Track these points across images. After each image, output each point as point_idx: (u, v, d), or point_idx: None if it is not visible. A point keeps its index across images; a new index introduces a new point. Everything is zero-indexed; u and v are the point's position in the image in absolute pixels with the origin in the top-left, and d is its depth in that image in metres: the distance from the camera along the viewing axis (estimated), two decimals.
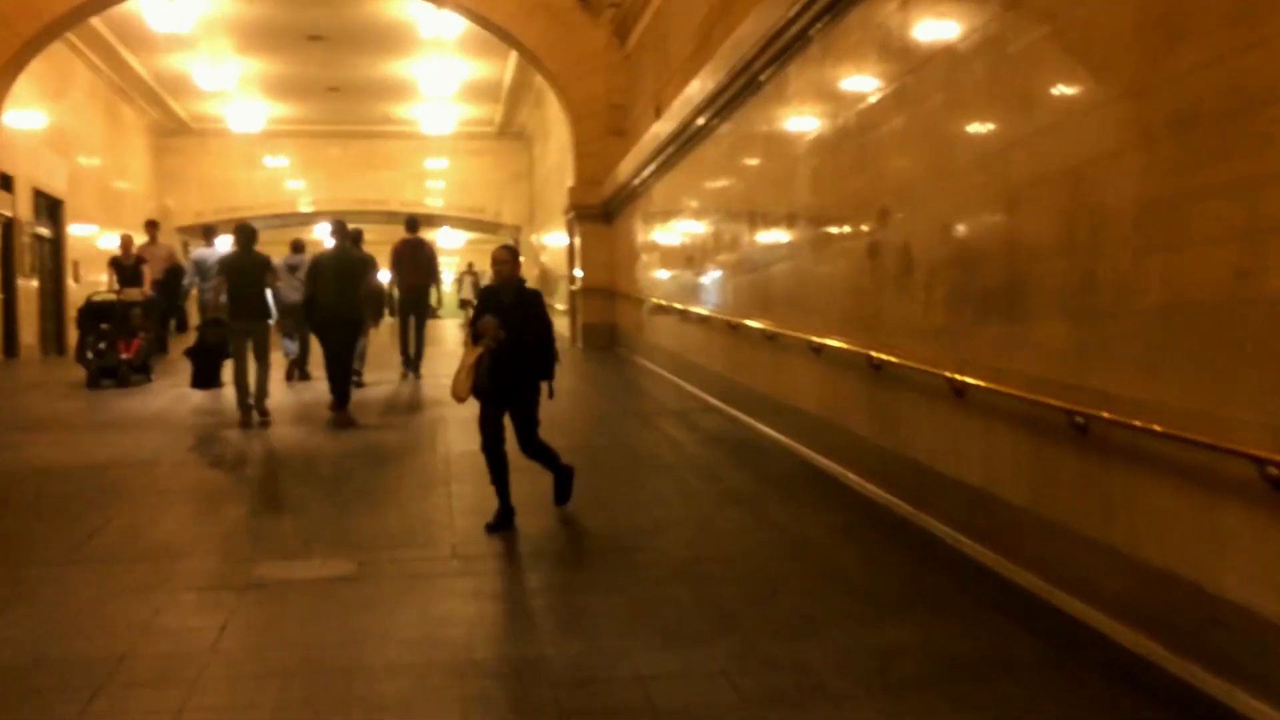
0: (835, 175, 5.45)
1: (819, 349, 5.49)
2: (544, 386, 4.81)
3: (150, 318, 10.00)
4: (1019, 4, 3.69)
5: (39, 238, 13.42)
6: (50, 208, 14.03)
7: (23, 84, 12.56)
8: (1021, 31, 3.65)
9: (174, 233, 19.38)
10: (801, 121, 6.00)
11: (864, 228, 5.07)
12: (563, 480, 4.92)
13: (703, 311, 8.17)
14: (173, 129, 20.15)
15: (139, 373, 9.51)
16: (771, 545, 4.41)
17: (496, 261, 4.83)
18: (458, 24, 13.79)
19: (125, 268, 10.41)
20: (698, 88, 7.75)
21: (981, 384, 3.86)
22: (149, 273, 10.74)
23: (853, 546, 4.33)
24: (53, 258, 13.99)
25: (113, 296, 10.12)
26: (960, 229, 4.14)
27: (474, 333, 4.74)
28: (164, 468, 6.14)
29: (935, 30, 4.32)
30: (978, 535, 3.98)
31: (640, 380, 9.85)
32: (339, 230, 8.05)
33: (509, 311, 4.68)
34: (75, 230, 14.51)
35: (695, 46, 8.53)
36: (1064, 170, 3.39)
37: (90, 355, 9.50)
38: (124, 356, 9.46)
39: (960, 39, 4.07)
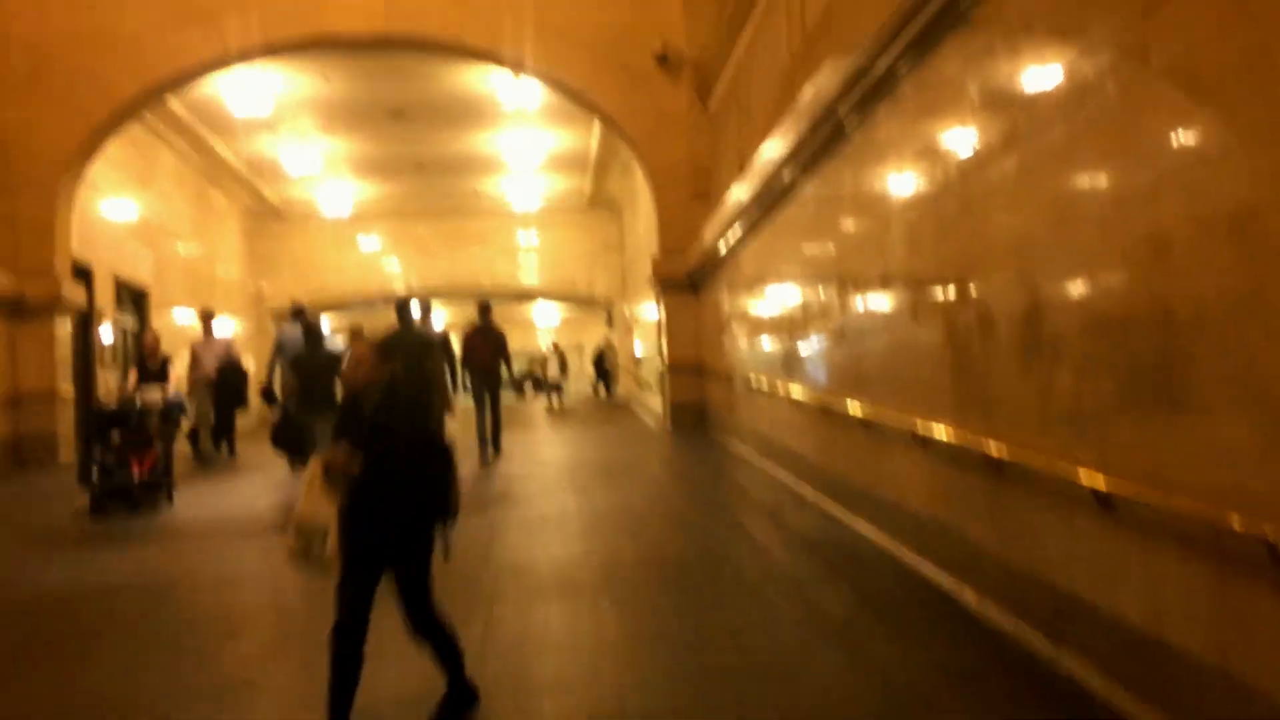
0: (935, 232, 4.62)
1: (925, 440, 4.60)
2: (440, 533, 3.25)
3: (170, 422, 8.30)
4: (1157, 10, 2.86)
5: (122, 329, 13.26)
6: (135, 297, 13.89)
7: (106, 172, 12.46)
8: (1172, 41, 2.81)
9: (268, 316, 19.33)
10: (894, 173, 5.20)
11: (971, 292, 4.21)
12: (456, 700, 3.35)
13: (792, 390, 7.33)
14: (264, 213, 20.17)
15: (154, 492, 7.73)
16: (876, 707, 3.43)
17: (354, 362, 3.43)
18: (539, 95, 13.40)
19: (149, 365, 8.89)
20: (779, 143, 7.03)
21: (1133, 493, 2.95)
22: (191, 371, 10.42)
23: (977, 701, 3.39)
24: (137, 349, 13.79)
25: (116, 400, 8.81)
26: (1092, 289, 3.26)
27: (329, 466, 3.27)
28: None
29: (1054, 55, 3.48)
30: (1139, 689, 3.04)
31: (728, 467, 9.00)
32: (405, 312, 7.91)
33: (373, 427, 3.24)
34: (164, 320, 14.32)
35: (777, 100, 7.80)
36: (1238, 209, 2.52)
37: (95, 473, 7.64)
38: (136, 474, 7.63)
39: (1087, 58, 3.23)
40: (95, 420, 8.19)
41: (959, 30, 4.21)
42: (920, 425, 4.63)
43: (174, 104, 13.34)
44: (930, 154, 4.65)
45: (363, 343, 3.52)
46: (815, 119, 6.12)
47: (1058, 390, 3.47)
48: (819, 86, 5.96)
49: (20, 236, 10.72)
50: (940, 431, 4.42)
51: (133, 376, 9.01)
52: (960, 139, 4.29)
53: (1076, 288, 3.36)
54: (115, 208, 13.18)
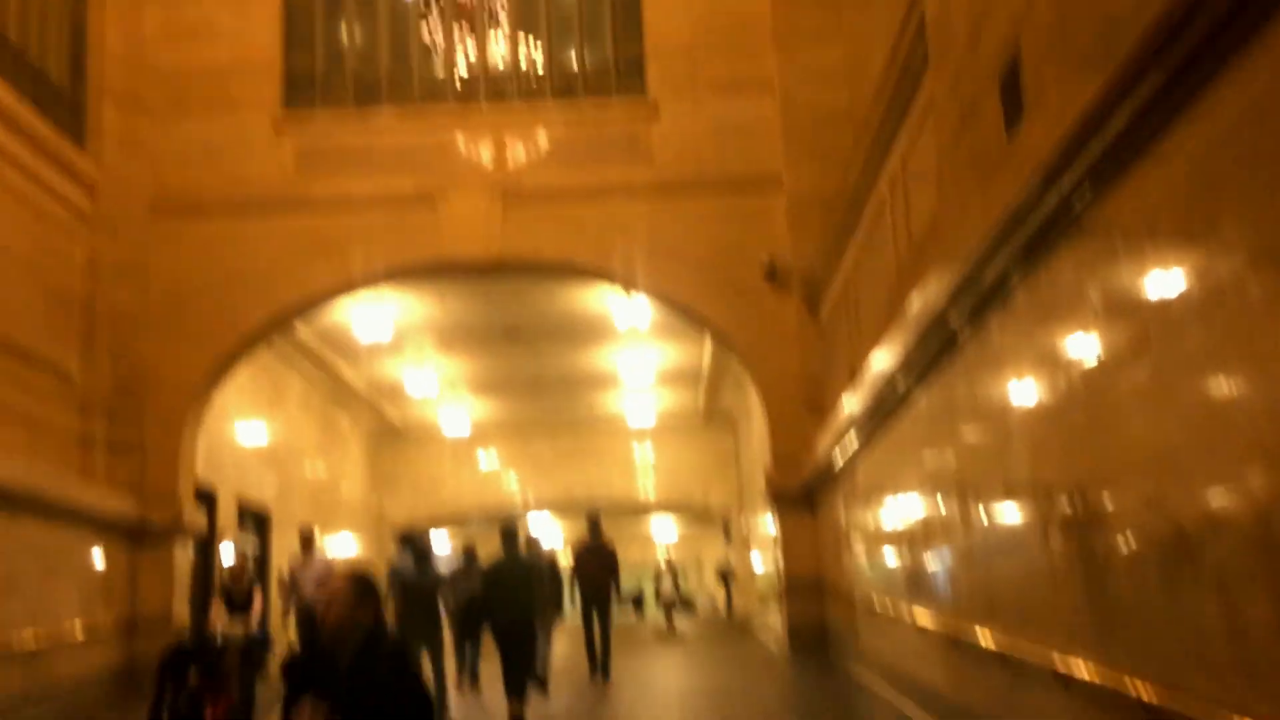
0: (1062, 445, 4.29)
1: (1066, 679, 4.14)
2: None
3: (252, 663, 7.67)
4: None
5: (242, 552, 13.40)
6: (257, 519, 14.11)
7: (233, 397, 12.91)
8: None
9: (389, 534, 19.46)
10: (1012, 383, 4.92)
11: (1105, 508, 3.85)
12: None
13: (916, 614, 6.85)
14: (386, 432, 20.62)
15: None
16: None
17: (330, 598, 2.99)
18: (651, 312, 13.56)
19: (234, 594, 8.48)
20: (889, 353, 6.83)
21: None
22: (288, 594, 10.34)
23: None
24: (258, 572, 13.89)
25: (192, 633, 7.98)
26: (1248, 504, 2.89)
27: None
28: None
29: (1184, 257, 3.24)
30: None
31: (851, 699, 8.41)
32: (510, 538, 7.80)
33: (350, 685, 2.81)
34: (284, 540, 14.47)
35: (886, 309, 7.64)
36: None
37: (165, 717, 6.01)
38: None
39: (1222, 259, 2.98)
40: (170, 656, 6.76)
41: (1072, 236, 4.01)
42: (1058, 660, 4.18)
43: (300, 330, 13.85)
44: (1051, 363, 4.38)
45: (338, 577, 3.00)
46: (925, 328, 5.93)
47: (1213, 622, 3.06)
48: (927, 296, 5.79)
49: (146, 463, 11.01)
50: (1080, 668, 3.97)
51: (216, 607, 8.52)
52: (1084, 347, 4.02)
53: (1228, 502, 3.01)
54: (241, 431, 13.56)
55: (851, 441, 8.80)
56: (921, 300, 5.91)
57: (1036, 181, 3.99)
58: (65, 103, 10.54)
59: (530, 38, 12.14)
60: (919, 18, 5.62)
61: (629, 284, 11.73)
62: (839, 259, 9.56)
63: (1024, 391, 4.77)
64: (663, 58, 11.68)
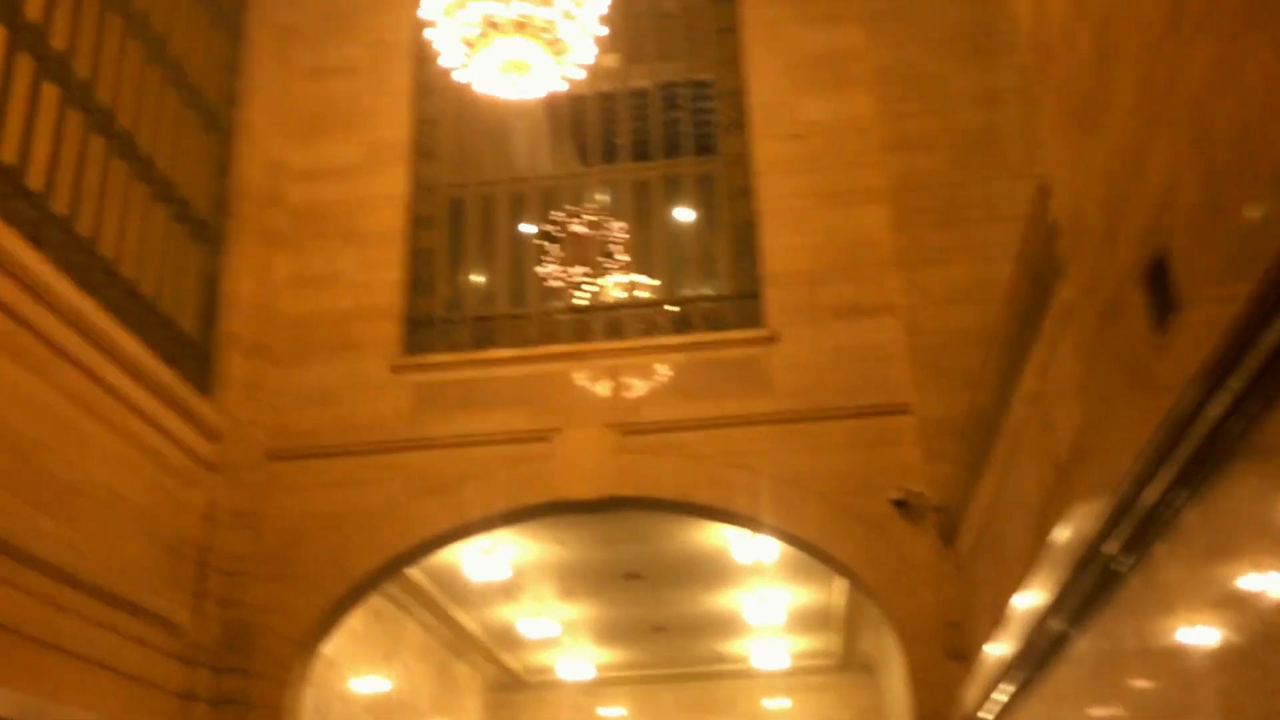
0: (1260, 697, 3.53)
1: None
2: None
3: None
4: None
5: None
6: None
7: (344, 645, 12.51)
8: None
9: None
10: (1189, 623, 4.17)
11: None
12: None
13: None
14: (505, 682, 19.88)
15: None
16: None
17: None
18: (776, 549, 12.90)
19: None
20: (1038, 591, 6.06)
21: None
22: None
23: None
24: None
25: None
26: None
27: None
28: None
29: None
30: None
31: None
32: None
33: None
34: None
35: (1031, 541, 6.90)
36: None
37: None
38: None
39: None
40: None
41: (1250, 449, 3.39)
42: None
43: (414, 573, 13.53)
44: (1236, 599, 3.66)
45: None
46: (1078, 561, 5.21)
47: None
48: (1078, 523, 5.12)
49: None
50: None
51: None
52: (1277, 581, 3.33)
53: None
54: (353, 684, 13.09)
55: (1001, 693, 7.86)
56: (1071, 528, 5.23)
57: (1198, 386, 3.42)
58: (194, 352, 10.79)
59: (647, 273, 12.17)
60: (1048, 219, 5.22)
61: (750, 522, 11.14)
62: (975, 487, 8.86)
63: (1205, 632, 4.02)
64: (781, 285, 11.47)
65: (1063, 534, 5.39)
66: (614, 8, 12.54)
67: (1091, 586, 5.24)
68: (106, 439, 9.04)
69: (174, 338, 10.41)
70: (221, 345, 11.18)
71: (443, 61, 8.91)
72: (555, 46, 8.97)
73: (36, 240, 8.38)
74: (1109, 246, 4.10)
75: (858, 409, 10.88)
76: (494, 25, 8.53)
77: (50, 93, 8.88)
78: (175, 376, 10.13)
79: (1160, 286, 3.59)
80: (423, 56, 12.23)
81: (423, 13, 8.99)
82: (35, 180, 8.57)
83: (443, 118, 12.77)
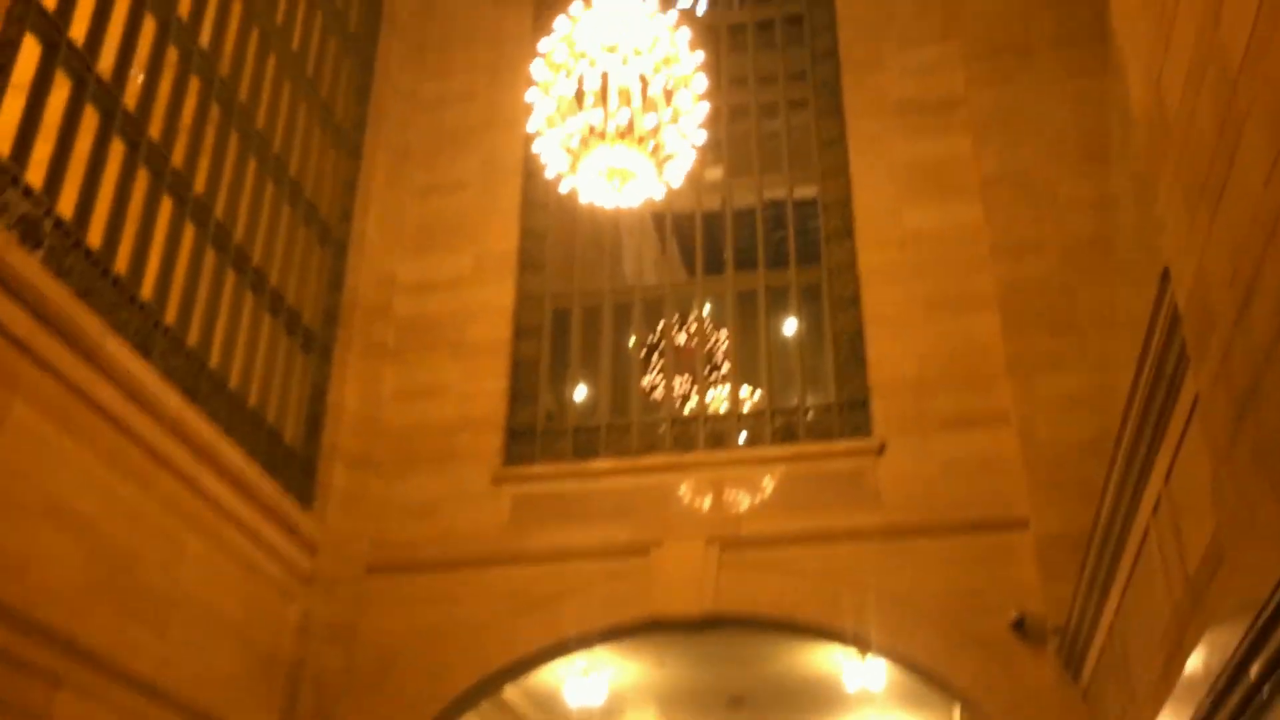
0: None
1: None
2: None
3: None
4: None
5: None
6: None
7: None
8: None
9: None
10: None
11: None
12: None
13: None
14: None
15: None
16: None
17: None
18: (885, 674, 12.24)
19: None
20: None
21: None
22: None
23: None
24: None
25: None
26: None
27: None
28: None
29: None
30: None
31: None
32: None
33: None
34: None
35: (1163, 665, 6.34)
36: None
37: None
38: None
39: None
40: None
41: None
42: None
43: (510, 693, 13.18)
44: None
45: None
46: (1218, 689, 4.70)
47: None
48: (1217, 644, 4.63)
49: None
50: None
51: None
52: None
53: None
54: None
55: None
56: (1209, 650, 4.73)
57: None
58: (296, 463, 10.84)
59: (752, 383, 11.92)
60: (1170, 308, 4.87)
61: (858, 643, 10.58)
62: (1100, 607, 8.25)
63: None
64: (888, 394, 11.09)
65: (1200, 655, 4.89)
66: (720, 123, 12.78)
67: (1233, 713, 4.71)
68: (204, 550, 9.05)
69: (277, 449, 10.49)
70: (324, 457, 11.22)
71: (548, 173, 8.95)
72: (658, 154, 8.96)
73: (144, 349, 8.56)
74: (1243, 326, 3.75)
75: (971, 523, 10.33)
76: (597, 133, 8.55)
77: (166, 205, 9.19)
78: (277, 488, 10.16)
79: None
80: (531, 171, 12.47)
81: (530, 127, 9.10)
82: (146, 290, 8.80)
83: (549, 231, 12.90)
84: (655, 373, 12.94)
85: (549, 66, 8.90)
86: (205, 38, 9.87)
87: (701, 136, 9.25)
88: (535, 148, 9.18)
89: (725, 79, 13.24)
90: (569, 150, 8.65)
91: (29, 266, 7.23)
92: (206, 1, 9.93)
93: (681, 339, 13.12)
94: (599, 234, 13.00)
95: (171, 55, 9.43)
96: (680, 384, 12.62)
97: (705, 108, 9.28)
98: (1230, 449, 3.99)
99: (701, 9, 14.00)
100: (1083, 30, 11.95)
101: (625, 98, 8.79)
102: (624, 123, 8.68)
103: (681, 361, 12.61)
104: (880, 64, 12.74)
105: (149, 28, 9.11)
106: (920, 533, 10.40)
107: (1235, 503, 4.10)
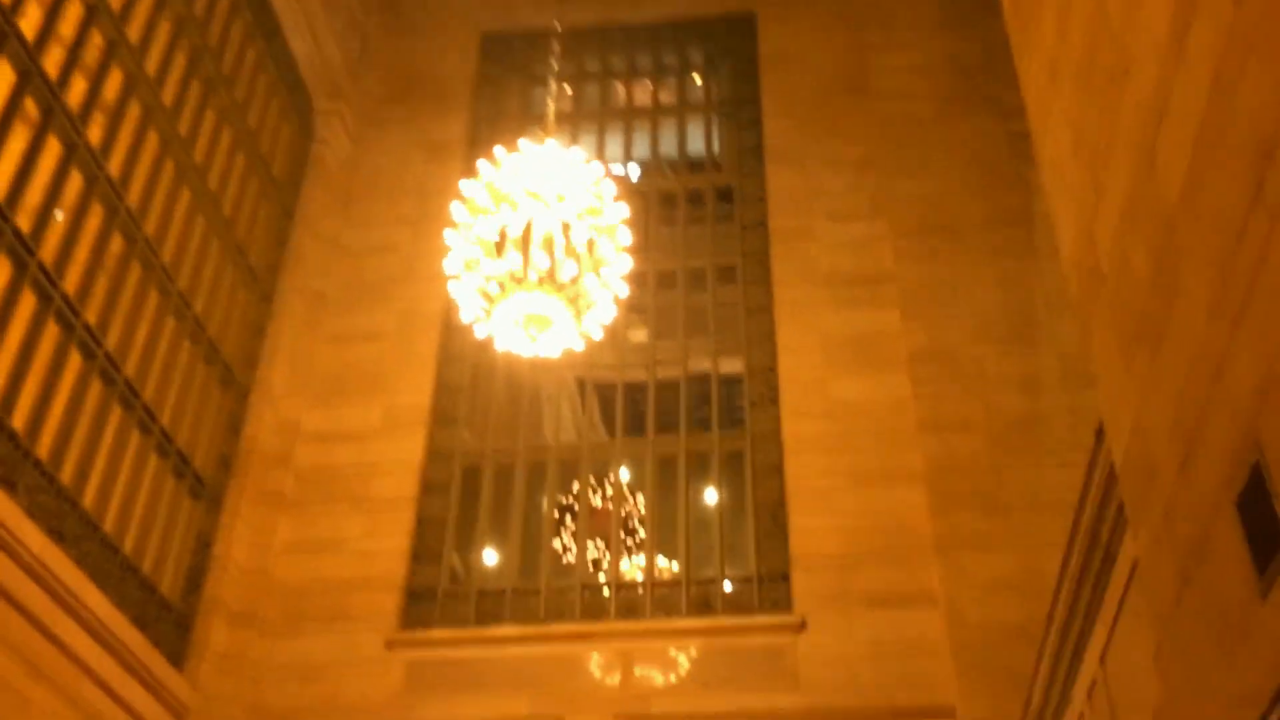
0: None
1: None
2: None
3: None
4: None
5: None
6: None
7: None
8: None
9: None
10: None
11: None
12: None
13: None
14: None
15: None
16: None
17: None
18: None
19: None
20: None
21: None
22: None
23: None
24: None
25: None
26: None
27: None
28: None
29: None
30: None
31: None
32: None
33: None
34: None
35: None
36: None
37: None
38: None
39: None
40: None
41: None
42: None
43: None
44: None
45: None
46: None
47: None
48: None
49: None
50: None
51: None
52: None
53: None
54: None
55: None
56: None
57: None
58: (171, 617, 10.00)
59: (668, 551, 11.38)
60: (1105, 467, 4.53)
61: None
62: None
63: None
64: (810, 569, 10.57)
65: None
66: (647, 289, 12.61)
67: None
68: (54, 706, 8.11)
69: (151, 600, 9.65)
70: (203, 611, 10.35)
71: (463, 316, 8.58)
72: (578, 303, 8.66)
73: (8, 482, 7.87)
74: (1186, 476, 3.40)
75: (894, 709, 9.69)
76: (515, 279, 8.24)
77: (51, 330, 8.62)
78: (145, 643, 9.28)
79: (1258, 512, 2.87)
80: (450, 325, 12.11)
81: (447, 269, 8.78)
82: (19, 419, 8.15)
83: (464, 386, 12.44)
84: (568, 536, 12.34)
85: (470, 210, 8.66)
86: (115, 165, 9.52)
87: (624, 289, 9.01)
88: (451, 291, 8.86)
89: (653, 246, 13.13)
90: (486, 295, 8.32)
91: None
92: (120, 129, 9.61)
93: (598, 502, 12.56)
94: (517, 391, 12.57)
95: (76, 180, 9.06)
96: (593, 549, 12.02)
97: (628, 261, 9.07)
98: (1175, 613, 3.57)
99: (634, 176, 14.02)
100: (1010, 213, 12.11)
101: (548, 245, 8.55)
102: (544, 269, 8.41)
103: (596, 525, 12.04)
104: (810, 235, 12.74)
105: (54, 146, 8.74)
106: (841, 717, 9.75)
107: (1182, 672, 3.66)
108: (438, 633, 10.94)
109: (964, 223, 12.22)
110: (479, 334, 8.81)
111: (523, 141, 8.81)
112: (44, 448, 8.42)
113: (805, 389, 11.77)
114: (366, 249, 13.22)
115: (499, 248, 8.33)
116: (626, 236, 8.97)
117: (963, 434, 10.93)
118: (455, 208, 8.70)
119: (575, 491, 12.46)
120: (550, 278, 8.49)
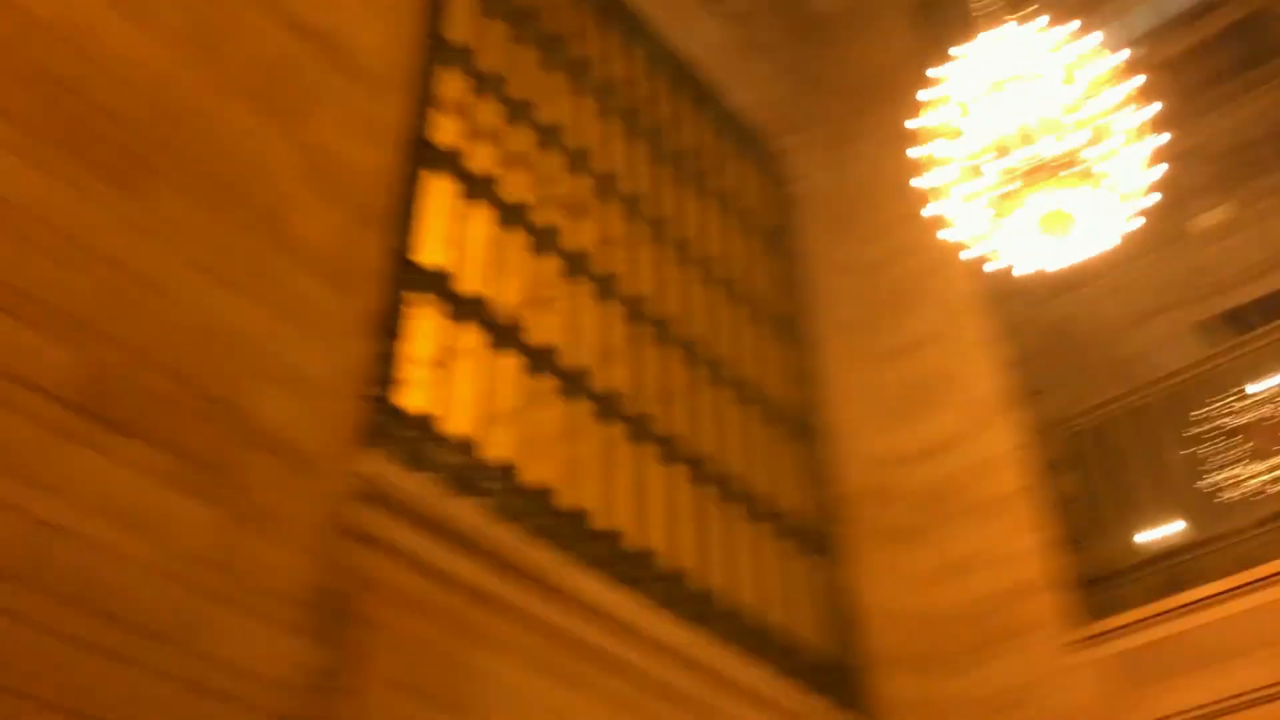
0: None
1: None
2: None
3: None
4: None
5: None
6: None
7: None
8: None
9: None
10: None
11: None
12: None
13: None
14: None
15: None
16: None
17: None
18: None
19: None
20: None
21: None
22: None
23: None
24: None
25: None
26: None
27: None
28: None
29: None
30: None
31: None
32: None
33: None
34: None
35: None
36: None
37: None
38: None
39: None
40: None
41: None
42: None
43: None
44: None
45: None
46: None
47: None
48: None
49: None
50: None
51: None
52: None
53: None
54: None
55: None
56: None
57: None
58: (835, 676, 9.51)
59: None
60: None
61: None
62: None
63: None
64: None
65: None
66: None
67: None
68: None
69: (806, 662, 9.25)
70: (870, 665, 9.74)
71: (959, 234, 7.51)
72: (1099, 184, 7.23)
73: (633, 580, 7.87)
74: None
75: None
76: (1025, 174, 7.06)
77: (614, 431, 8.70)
78: (824, 703, 8.92)
79: None
80: (999, 296, 11.06)
81: (927, 212, 7.83)
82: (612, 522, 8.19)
83: (1033, 351, 11.12)
84: (1228, 466, 10.27)
85: (946, 134, 7.68)
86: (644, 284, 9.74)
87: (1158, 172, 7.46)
88: (932, 210, 7.84)
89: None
90: (994, 206, 7.19)
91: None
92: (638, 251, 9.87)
93: (1247, 417, 10.39)
94: (1088, 335, 11.01)
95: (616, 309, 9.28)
96: (1257, 471, 9.88)
97: (1159, 139, 7.51)
98: None
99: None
100: None
101: (1049, 130, 7.29)
102: (1050, 156, 7.14)
103: (1262, 439, 9.91)
104: None
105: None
106: None
107: None
108: (1118, 619, 9.46)
109: None
110: (977, 251, 7.69)
111: (982, 35, 7.72)
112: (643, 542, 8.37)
113: None
114: (877, 261, 12.49)
115: (998, 149, 7.20)
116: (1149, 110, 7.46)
117: None
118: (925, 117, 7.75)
119: (1210, 415, 10.44)
120: (1067, 164, 7.21)
